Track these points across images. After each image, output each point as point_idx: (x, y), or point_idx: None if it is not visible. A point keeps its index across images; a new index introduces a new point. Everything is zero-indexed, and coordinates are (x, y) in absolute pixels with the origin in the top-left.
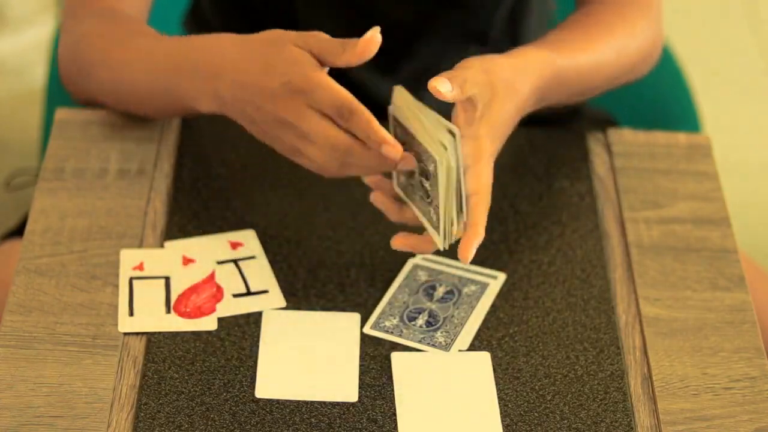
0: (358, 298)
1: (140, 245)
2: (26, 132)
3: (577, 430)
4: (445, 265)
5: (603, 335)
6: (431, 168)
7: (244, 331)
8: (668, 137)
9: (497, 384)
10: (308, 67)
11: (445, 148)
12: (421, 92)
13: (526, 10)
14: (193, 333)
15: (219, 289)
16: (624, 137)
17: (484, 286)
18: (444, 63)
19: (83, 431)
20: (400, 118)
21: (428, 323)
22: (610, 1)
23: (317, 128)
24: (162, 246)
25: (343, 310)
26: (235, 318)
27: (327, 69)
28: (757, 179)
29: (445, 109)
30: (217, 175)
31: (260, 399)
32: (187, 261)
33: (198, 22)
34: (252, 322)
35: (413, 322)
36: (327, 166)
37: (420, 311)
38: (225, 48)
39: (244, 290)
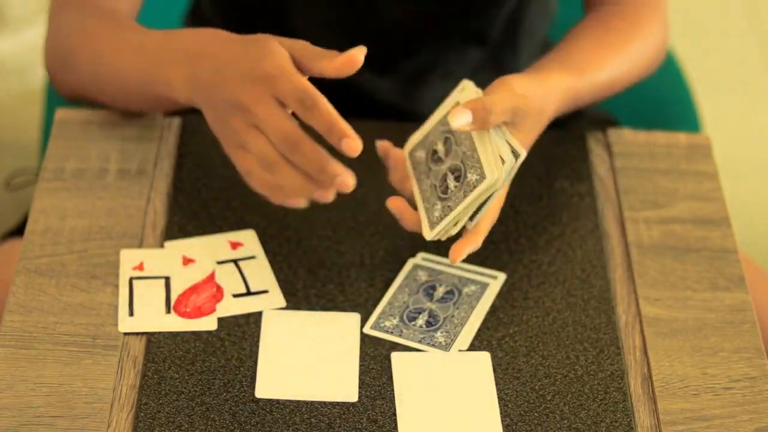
0: (358, 298)
1: (140, 245)
2: (26, 132)
3: (577, 430)
4: (445, 265)
5: (603, 335)
6: (472, 177)
7: (244, 331)
8: (668, 137)
9: (497, 384)
10: (281, 57)
11: (502, 164)
12: (419, 92)
13: (527, 11)
14: (193, 333)
15: (219, 289)
16: (624, 137)
17: (484, 286)
18: (443, 63)
19: (83, 431)
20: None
21: (428, 323)
22: (623, 3)
23: (272, 114)
24: (162, 246)
25: (343, 310)
26: (235, 318)
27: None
28: (757, 179)
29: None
30: (217, 175)
31: (260, 399)
32: (187, 261)
33: (198, 22)
34: (252, 322)
35: (413, 322)
36: (262, 175)
37: (420, 311)
38: (208, 37)
39: (244, 290)
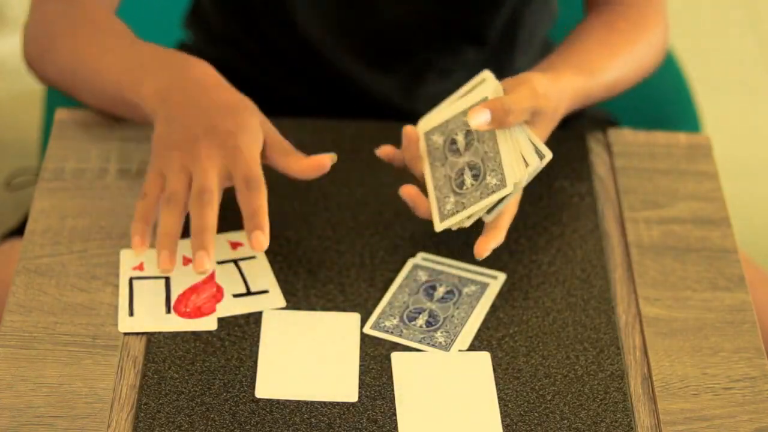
0: (358, 298)
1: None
2: (26, 132)
3: (577, 430)
4: (445, 265)
5: (603, 335)
6: (491, 180)
7: (244, 331)
8: (668, 137)
9: (497, 384)
10: (255, 139)
11: (525, 166)
12: (418, 91)
13: (527, 11)
14: (193, 333)
15: (219, 289)
16: (624, 137)
17: (484, 286)
18: (442, 62)
19: (83, 431)
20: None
21: (428, 323)
22: (626, 5)
23: (209, 174)
24: None
25: (343, 310)
26: (235, 318)
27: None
28: (757, 179)
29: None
30: None
31: (260, 399)
32: (187, 261)
33: (199, 22)
34: (252, 322)
35: (413, 322)
36: (151, 205)
37: (420, 311)
38: (198, 70)
39: (244, 290)
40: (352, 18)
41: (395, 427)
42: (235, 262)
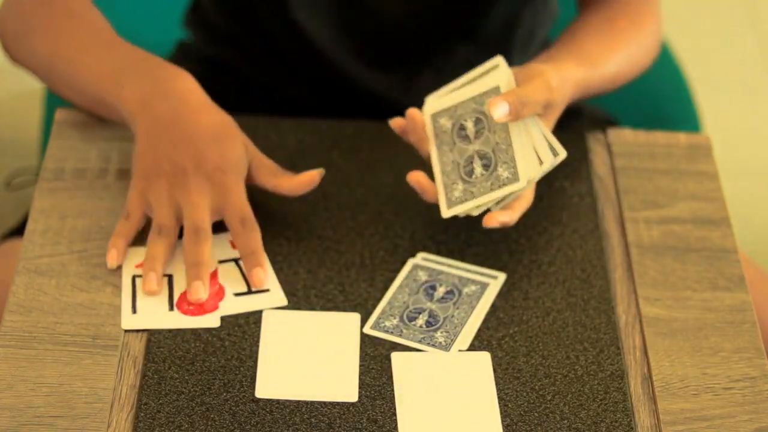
0: (358, 298)
1: (141, 245)
2: (26, 132)
3: (577, 430)
4: (445, 265)
5: (603, 335)
6: (503, 173)
7: (244, 331)
8: (668, 137)
9: (497, 384)
10: (241, 172)
11: (539, 164)
12: (416, 89)
13: (527, 11)
14: (194, 333)
15: (221, 288)
16: (624, 137)
17: (484, 286)
18: (440, 60)
19: (83, 431)
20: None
21: (428, 323)
22: (623, 2)
23: (200, 208)
24: None
25: (343, 310)
26: (235, 318)
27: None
28: (757, 179)
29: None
30: None
31: (260, 399)
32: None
33: (199, 21)
34: (252, 322)
35: (413, 322)
36: (134, 224)
37: (420, 311)
38: (183, 85)
39: (245, 289)
40: (351, 17)
41: (395, 427)
42: (236, 261)
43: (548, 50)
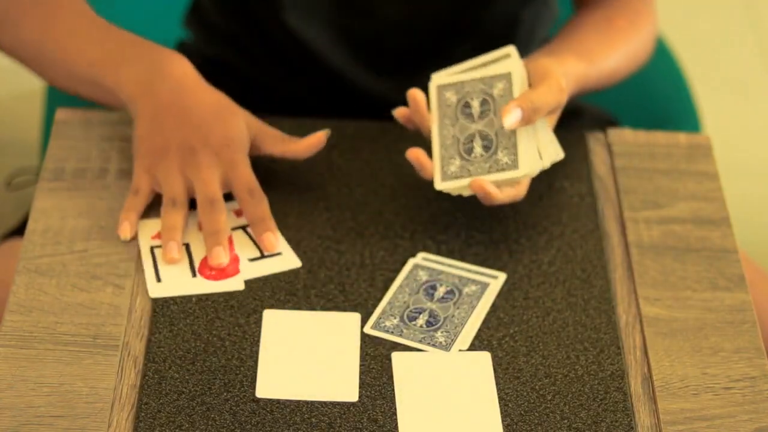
0: (359, 298)
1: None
2: (27, 132)
3: (578, 430)
4: (445, 265)
5: (603, 335)
6: (503, 158)
7: (244, 331)
8: (668, 137)
9: (497, 384)
10: (245, 145)
11: (539, 159)
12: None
13: (526, 12)
14: (194, 333)
15: (236, 255)
16: (624, 137)
17: (484, 286)
18: (440, 62)
19: (84, 431)
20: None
21: (428, 323)
22: (621, 0)
23: (212, 182)
24: None
25: (344, 310)
26: (235, 318)
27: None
28: (757, 179)
29: None
30: None
31: (261, 399)
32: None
33: (199, 21)
34: (252, 322)
35: (414, 322)
36: (143, 200)
37: (420, 311)
38: (179, 68)
39: (258, 254)
40: (347, 21)
41: (395, 427)
42: (243, 228)
43: (548, 45)
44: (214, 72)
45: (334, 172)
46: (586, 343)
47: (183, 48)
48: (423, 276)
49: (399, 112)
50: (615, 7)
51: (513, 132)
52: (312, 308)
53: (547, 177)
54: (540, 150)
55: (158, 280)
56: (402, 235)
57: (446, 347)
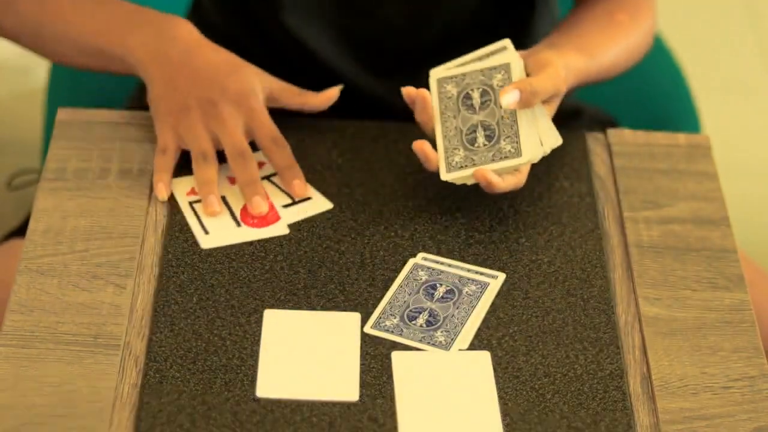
0: (359, 297)
1: (142, 245)
2: (28, 132)
3: (577, 429)
4: (445, 264)
5: (603, 335)
6: (506, 146)
7: (245, 331)
8: (668, 137)
9: (497, 383)
10: (259, 96)
11: (540, 145)
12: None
13: (537, 15)
14: (194, 332)
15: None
16: (624, 137)
17: (484, 286)
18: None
19: (85, 430)
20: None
21: (428, 322)
22: None
23: (236, 132)
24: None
25: (344, 309)
26: (236, 317)
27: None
28: (756, 179)
29: None
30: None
31: (261, 398)
32: (233, 180)
33: (199, 21)
34: (253, 321)
35: (413, 322)
36: (171, 157)
37: (420, 311)
38: (186, 31)
39: (289, 201)
40: (346, 23)
41: (396, 426)
42: (268, 178)
43: (549, 37)
44: None
45: (334, 172)
46: (586, 342)
47: None
48: (423, 276)
49: (407, 91)
50: (615, 1)
51: (515, 121)
52: (312, 308)
53: (547, 177)
54: (541, 137)
55: (206, 232)
56: (402, 235)
57: (446, 347)
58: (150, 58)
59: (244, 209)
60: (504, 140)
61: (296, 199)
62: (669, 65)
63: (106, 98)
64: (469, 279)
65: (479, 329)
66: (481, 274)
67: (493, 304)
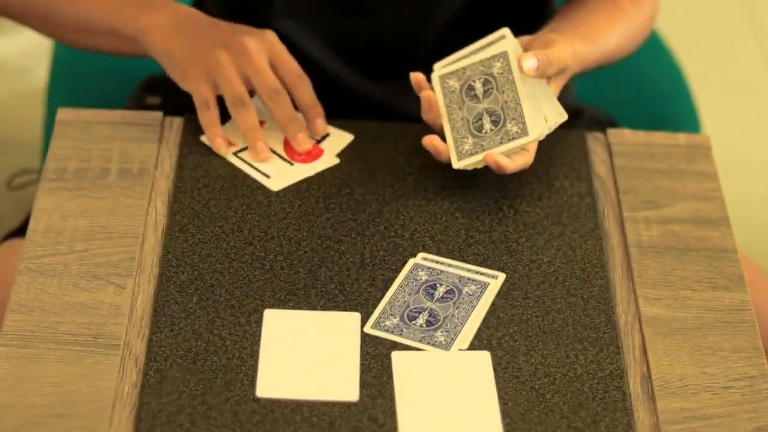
0: (359, 297)
1: (142, 245)
2: (28, 132)
3: (577, 429)
4: (445, 264)
5: (602, 335)
6: (512, 128)
7: (245, 331)
8: (668, 137)
9: (497, 383)
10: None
11: (545, 121)
12: (414, 95)
13: (525, 13)
14: (194, 332)
15: None
16: (624, 137)
17: (484, 286)
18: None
19: (85, 430)
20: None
21: (428, 322)
22: None
23: (265, 69)
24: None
25: (344, 309)
26: (236, 317)
27: None
28: (756, 179)
29: None
30: (218, 175)
31: (261, 398)
32: (261, 123)
33: None
34: (253, 321)
35: (413, 322)
36: (213, 111)
37: (420, 310)
38: (187, 7)
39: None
40: (340, 27)
41: (396, 426)
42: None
43: (553, 23)
44: None
45: (334, 172)
46: (586, 342)
47: None
48: (423, 276)
49: (414, 76)
50: None
51: (518, 103)
52: (312, 308)
53: (547, 177)
54: (545, 115)
55: (267, 176)
56: (402, 235)
57: (446, 347)
58: (164, 38)
59: (288, 148)
60: (510, 122)
61: (317, 137)
62: (669, 65)
63: (106, 98)
64: (469, 279)
65: (479, 329)
66: (481, 274)
67: (493, 304)
